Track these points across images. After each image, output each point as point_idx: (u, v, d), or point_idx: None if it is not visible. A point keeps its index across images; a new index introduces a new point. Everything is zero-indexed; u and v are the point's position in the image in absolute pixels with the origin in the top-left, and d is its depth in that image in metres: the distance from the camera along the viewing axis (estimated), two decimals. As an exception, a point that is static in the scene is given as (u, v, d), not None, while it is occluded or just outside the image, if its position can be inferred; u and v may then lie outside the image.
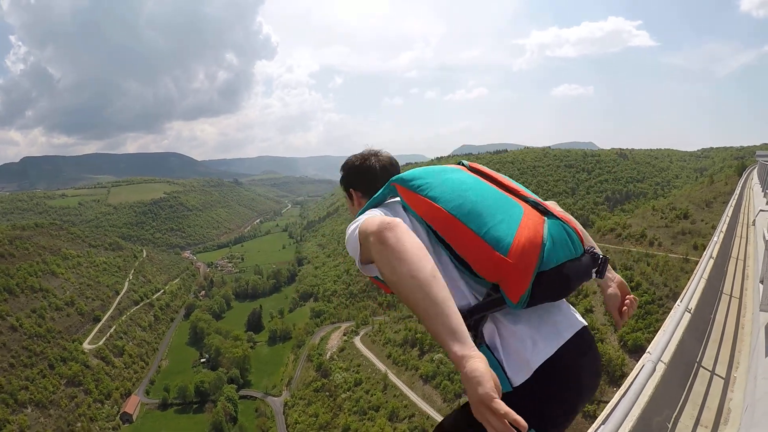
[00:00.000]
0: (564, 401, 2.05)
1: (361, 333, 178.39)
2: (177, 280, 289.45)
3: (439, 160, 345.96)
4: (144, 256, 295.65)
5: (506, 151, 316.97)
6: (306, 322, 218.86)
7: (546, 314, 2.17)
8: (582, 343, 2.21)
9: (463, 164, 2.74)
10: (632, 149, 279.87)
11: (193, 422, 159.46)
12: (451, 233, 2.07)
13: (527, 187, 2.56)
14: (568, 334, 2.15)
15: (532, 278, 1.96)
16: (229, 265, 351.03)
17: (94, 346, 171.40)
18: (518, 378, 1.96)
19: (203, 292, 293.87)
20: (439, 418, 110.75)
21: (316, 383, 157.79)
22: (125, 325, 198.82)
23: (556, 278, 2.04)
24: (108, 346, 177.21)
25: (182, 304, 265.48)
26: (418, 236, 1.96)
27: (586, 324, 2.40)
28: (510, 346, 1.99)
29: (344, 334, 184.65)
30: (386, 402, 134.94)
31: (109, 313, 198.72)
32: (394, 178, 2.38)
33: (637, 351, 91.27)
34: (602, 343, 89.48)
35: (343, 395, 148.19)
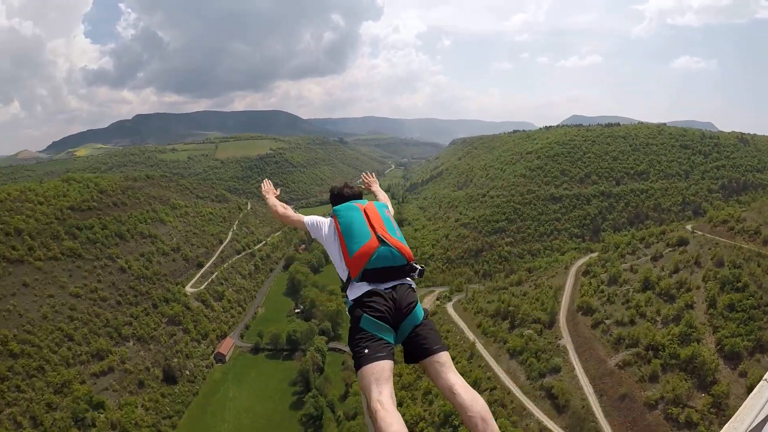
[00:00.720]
0: (372, 308, 4.63)
1: (454, 299, 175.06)
2: (279, 233, 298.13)
3: (548, 129, 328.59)
4: (248, 208, 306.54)
5: (618, 125, 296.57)
6: None
7: (383, 282, 4.95)
8: (393, 287, 4.93)
9: (362, 204, 5.68)
10: (754, 135, 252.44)
11: (282, 368, 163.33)
12: (341, 240, 5.12)
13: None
14: (384, 287, 4.88)
15: (362, 270, 4.85)
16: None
17: (195, 289, 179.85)
18: (351, 297, 5.04)
19: (303, 246, 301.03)
20: (520, 395, 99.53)
21: None
22: (226, 272, 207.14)
23: (378, 271, 4.87)
24: (209, 290, 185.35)
25: (282, 256, 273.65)
26: (330, 234, 5.53)
27: (410, 284, 5.21)
28: (353, 291, 4.98)
29: (437, 299, 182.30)
30: (470, 371, 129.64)
31: (212, 260, 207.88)
32: (333, 209, 5.70)
33: (733, 358, 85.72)
34: (698, 343, 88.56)
35: None
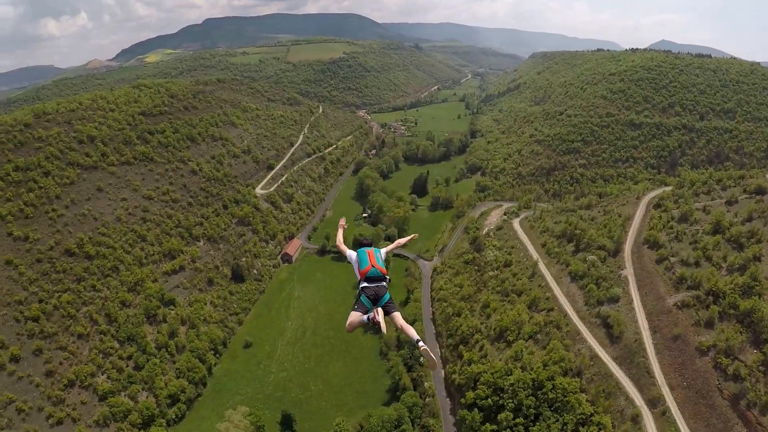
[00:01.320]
0: (368, 292, 12.28)
1: (521, 216, 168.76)
2: (350, 137, 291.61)
3: (634, 52, 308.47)
4: (320, 112, 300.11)
5: (709, 56, 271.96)
6: (469, 195, 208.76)
7: (372, 283, 12.56)
8: (377, 285, 12.45)
9: (368, 249, 13.63)
10: None
11: (346, 270, 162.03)
12: (357, 264, 13.17)
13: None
14: (372, 285, 12.44)
15: (364, 277, 12.63)
16: (402, 128, 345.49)
17: (265, 191, 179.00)
18: (360, 287, 12.59)
19: (374, 151, 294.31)
20: (576, 320, 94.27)
21: (467, 255, 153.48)
22: (296, 174, 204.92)
23: (370, 278, 12.58)
24: (278, 192, 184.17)
25: (352, 161, 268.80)
26: (354, 261, 13.38)
27: (384, 285, 12.63)
28: (360, 284, 12.61)
29: (504, 214, 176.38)
30: (530, 290, 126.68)
31: (282, 162, 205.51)
32: (357, 251, 13.62)
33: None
34: (760, 298, 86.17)
35: (491, 273, 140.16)
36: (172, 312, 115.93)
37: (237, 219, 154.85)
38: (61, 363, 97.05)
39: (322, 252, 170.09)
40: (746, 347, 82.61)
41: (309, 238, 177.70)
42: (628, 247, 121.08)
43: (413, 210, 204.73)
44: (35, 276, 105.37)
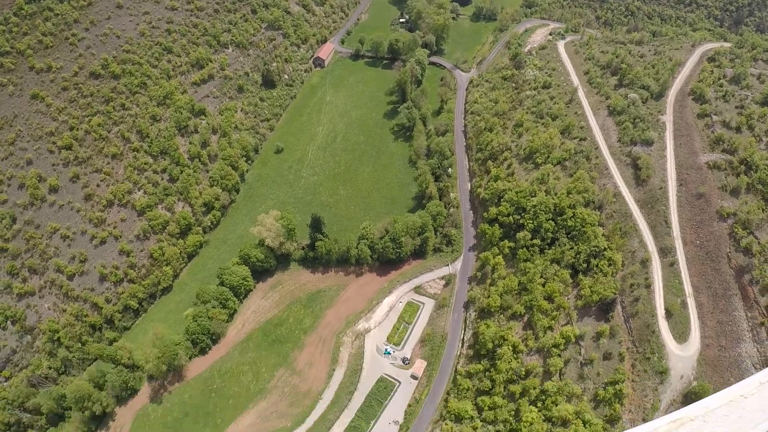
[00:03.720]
0: None
1: (567, 39, 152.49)
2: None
3: None
4: None
5: None
6: (515, 9, 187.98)
7: None
8: None
9: None
10: None
11: (380, 75, 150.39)
12: None
13: None
14: None
15: None
16: None
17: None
18: None
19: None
20: (607, 154, 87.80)
21: (506, 71, 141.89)
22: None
23: None
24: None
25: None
26: None
27: None
28: None
29: (550, 34, 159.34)
30: (565, 115, 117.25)
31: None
32: None
33: None
34: None
35: (528, 92, 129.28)
36: (203, 122, 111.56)
37: (266, 24, 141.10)
38: (98, 185, 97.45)
39: (355, 56, 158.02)
40: (764, 225, 78.30)
41: (342, 42, 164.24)
42: (672, 94, 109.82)
43: (454, 18, 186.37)
44: (63, 105, 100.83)
